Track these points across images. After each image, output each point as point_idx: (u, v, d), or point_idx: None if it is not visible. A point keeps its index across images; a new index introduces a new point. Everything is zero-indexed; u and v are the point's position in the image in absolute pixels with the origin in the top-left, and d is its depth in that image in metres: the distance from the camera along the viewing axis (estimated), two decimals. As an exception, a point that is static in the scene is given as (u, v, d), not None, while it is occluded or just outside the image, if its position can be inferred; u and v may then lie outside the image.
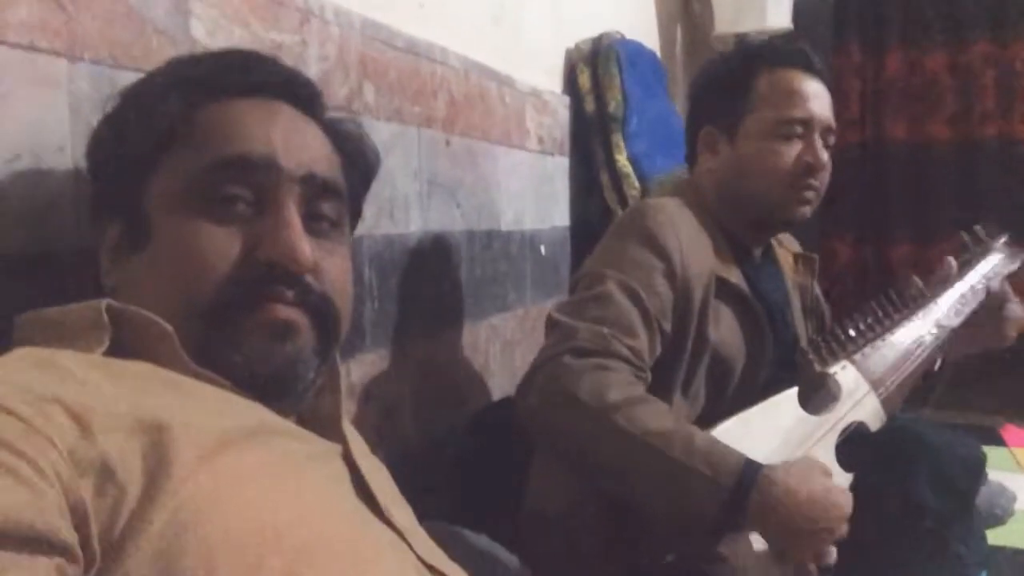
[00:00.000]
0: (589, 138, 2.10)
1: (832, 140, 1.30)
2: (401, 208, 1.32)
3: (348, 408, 1.18)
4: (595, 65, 2.08)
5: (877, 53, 3.29)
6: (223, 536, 0.50)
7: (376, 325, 1.26)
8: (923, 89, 3.24)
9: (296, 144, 0.68)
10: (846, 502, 1.05)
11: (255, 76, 0.70)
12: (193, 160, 0.65)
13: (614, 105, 2.06)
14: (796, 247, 1.52)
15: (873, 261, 3.41)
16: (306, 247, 0.65)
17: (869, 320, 1.28)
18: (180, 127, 0.66)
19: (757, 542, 1.07)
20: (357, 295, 1.19)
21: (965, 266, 1.38)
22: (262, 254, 0.64)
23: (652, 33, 2.93)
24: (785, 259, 1.47)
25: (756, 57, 1.30)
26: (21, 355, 0.56)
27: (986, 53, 3.14)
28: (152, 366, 0.60)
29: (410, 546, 0.64)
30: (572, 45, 2.15)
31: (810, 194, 1.27)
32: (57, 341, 0.59)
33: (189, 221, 0.64)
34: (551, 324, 1.16)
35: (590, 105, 2.08)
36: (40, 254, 0.75)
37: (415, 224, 1.36)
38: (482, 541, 1.10)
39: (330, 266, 0.69)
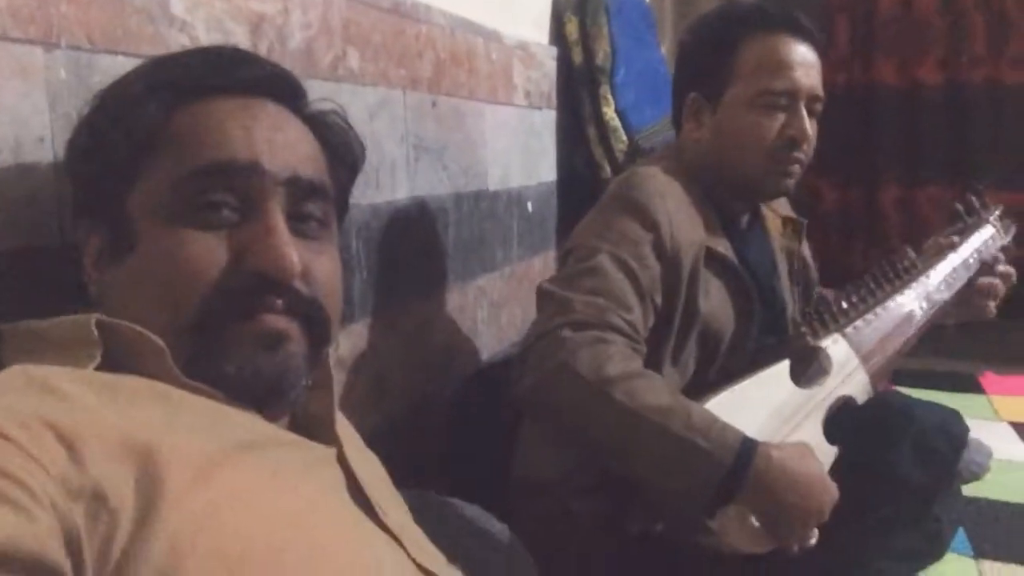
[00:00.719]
0: (576, 90, 2.07)
1: (819, 107, 1.27)
2: (388, 175, 1.30)
3: (338, 379, 1.18)
4: (583, 14, 2.03)
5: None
6: (222, 559, 0.51)
7: (364, 296, 1.25)
8: (914, 31, 3.20)
9: (280, 145, 0.66)
10: (834, 488, 1.08)
11: (236, 74, 0.67)
12: (176, 166, 0.63)
13: (602, 56, 2.02)
14: (785, 210, 1.51)
15: (860, 203, 3.40)
16: (293, 255, 0.63)
17: (861, 292, 1.28)
18: (161, 132, 0.64)
19: (743, 515, 1.10)
20: (345, 265, 1.18)
21: (958, 238, 1.38)
22: (249, 264, 0.62)
23: (641, -25, 2.86)
24: (773, 222, 1.46)
25: (741, 22, 1.25)
26: (14, 374, 0.55)
27: (976, -7, 3.09)
28: (144, 380, 0.59)
29: (405, 550, 0.65)
30: (559, -7, 2.11)
31: (794, 167, 1.25)
32: (48, 356, 0.58)
33: (174, 229, 0.62)
34: (543, 296, 1.16)
35: (578, 56, 2.04)
36: (22, 249, 0.73)
37: (402, 191, 1.34)
38: (472, 510, 1.11)
39: (318, 268, 0.68)
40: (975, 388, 2.66)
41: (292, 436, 0.67)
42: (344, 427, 0.74)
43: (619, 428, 1.06)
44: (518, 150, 1.82)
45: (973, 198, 1.43)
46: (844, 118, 3.29)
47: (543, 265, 2.01)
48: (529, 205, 1.90)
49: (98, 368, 0.59)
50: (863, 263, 3.29)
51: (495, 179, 1.71)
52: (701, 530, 1.10)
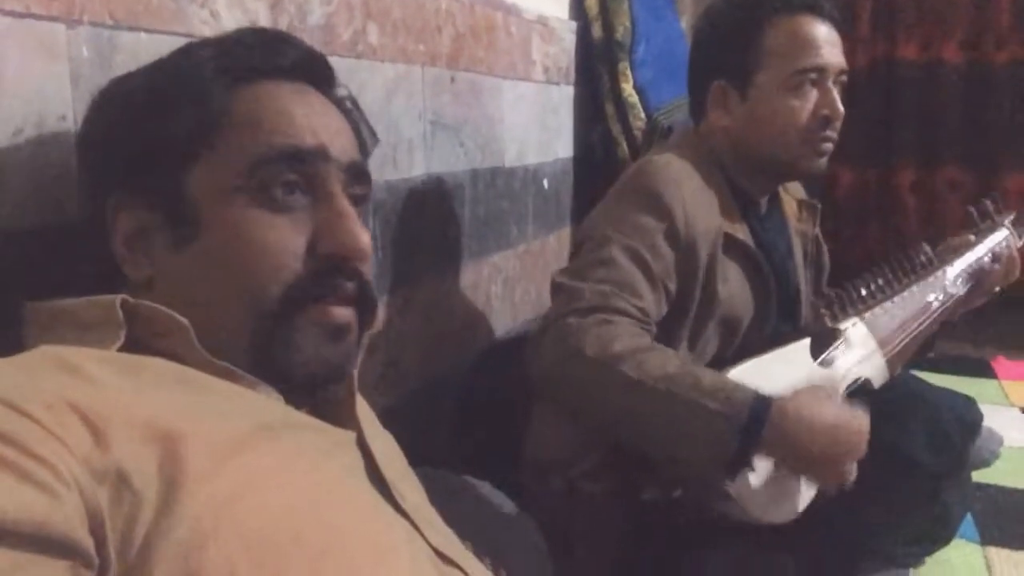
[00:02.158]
0: (595, 66, 2.05)
1: (845, 79, 1.26)
2: (404, 153, 1.30)
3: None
4: (603, -12, 2.01)
5: (892, -31, 3.19)
6: (243, 542, 0.51)
7: (380, 275, 1.25)
8: (936, 10, 3.15)
9: (336, 131, 0.68)
10: (861, 421, 1.06)
11: (288, 58, 0.68)
12: (245, 150, 0.63)
13: (622, 31, 2.00)
14: (800, 193, 1.50)
15: (876, 185, 3.37)
16: (367, 237, 0.65)
17: (880, 282, 1.30)
18: (224, 113, 0.64)
19: (760, 478, 1.10)
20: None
21: (974, 237, 1.40)
22: (325, 246, 0.63)
23: (662, -52, 2.82)
24: (788, 205, 1.46)
25: (761, 6, 1.24)
26: (42, 355, 0.55)
27: (1003, -29, 3.04)
28: (167, 362, 0.59)
29: (421, 533, 0.65)
30: (580, -35, 2.08)
31: (827, 145, 1.25)
32: (73, 336, 0.59)
33: (249, 212, 0.62)
34: (555, 288, 1.16)
35: (597, 31, 2.02)
36: (49, 226, 0.73)
37: (418, 168, 1.34)
38: (484, 489, 1.12)
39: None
40: (987, 373, 2.66)
41: (312, 420, 0.67)
42: (362, 408, 0.75)
43: (631, 401, 1.06)
44: (535, 126, 1.81)
45: (988, 203, 1.44)
46: (863, 99, 3.26)
47: (558, 243, 2.00)
48: (545, 182, 1.89)
49: (121, 349, 0.59)
50: (878, 246, 3.27)
51: (511, 156, 1.70)
52: (720, 496, 1.10)
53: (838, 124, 1.25)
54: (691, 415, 1.02)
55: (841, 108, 1.23)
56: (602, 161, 2.06)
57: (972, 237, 1.39)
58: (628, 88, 2.02)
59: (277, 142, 0.63)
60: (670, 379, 1.04)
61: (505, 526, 1.09)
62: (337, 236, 0.63)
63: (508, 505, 1.11)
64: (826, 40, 1.22)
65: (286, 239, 0.62)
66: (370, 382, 1.25)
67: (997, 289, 1.37)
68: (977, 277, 1.35)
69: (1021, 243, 1.43)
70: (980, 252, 1.37)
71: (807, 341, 1.21)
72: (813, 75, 1.21)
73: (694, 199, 1.20)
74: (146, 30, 0.82)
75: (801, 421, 1.02)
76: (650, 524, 1.24)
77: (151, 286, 0.64)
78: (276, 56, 0.67)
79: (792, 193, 1.48)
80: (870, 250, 3.25)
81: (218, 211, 0.63)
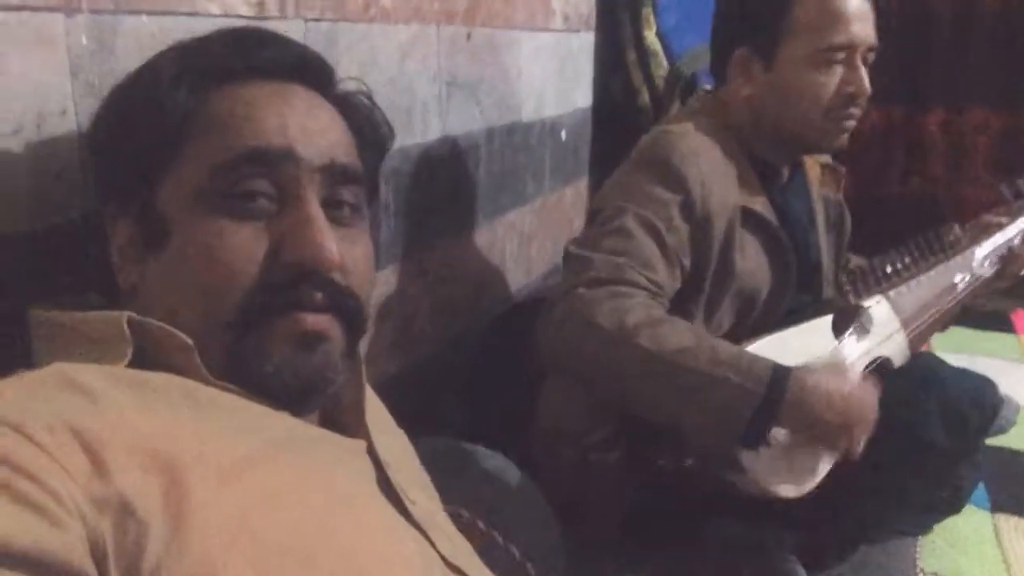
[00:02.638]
0: (616, 11, 1.98)
1: (872, 56, 1.22)
2: (419, 116, 1.27)
3: (365, 328, 1.18)
4: (628, -69, 1.92)
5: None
6: (255, 567, 0.51)
7: (392, 242, 1.24)
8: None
9: (314, 131, 0.64)
10: (873, 397, 1.07)
11: (265, 58, 0.64)
12: (209, 155, 0.61)
13: (645, -24, 1.93)
14: (824, 157, 1.46)
15: (902, 125, 3.29)
16: (333, 245, 0.61)
17: (907, 260, 1.27)
18: (192, 119, 0.61)
19: (774, 452, 1.10)
20: (372, 213, 1.17)
21: (1006, 219, 1.35)
22: (288, 255, 0.60)
23: None
24: (812, 170, 1.42)
25: None
26: (51, 373, 0.54)
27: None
28: (173, 378, 0.59)
29: (433, 543, 0.65)
30: (603, -96, 1.99)
31: (851, 123, 1.21)
32: (79, 351, 0.58)
33: (210, 220, 0.60)
34: (568, 258, 1.14)
35: (620, -25, 1.95)
36: (50, 227, 0.72)
37: (433, 132, 1.31)
38: (494, 459, 1.12)
39: (354, 258, 0.66)
40: (1007, 326, 2.62)
41: (320, 431, 0.67)
42: (372, 410, 0.74)
43: (649, 374, 1.05)
44: (553, 77, 1.76)
45: (1021, 181, 1.39)
46: (892, 38, 3.15)
47: (575, 194, 1.97)
48: (563, 134, 1.85)
49: (128, 365, 0.58)
50: (901, 188, 3.21)
51: (529, 110, 1.66)
52: (733, 468, 1.10)
53: (863, 101, 1.21)
54: (709, 387, 1.02)
55: (868, 86, 1.19)
56: (622, 109, 2.01)
57: (1004, 219, 1.35)
58: (651, 35, 1.95)
59: (239, 145, 0.60)
60: (687, 351, 1.03)
61: (515, 497, 1.09)
62: (299, 245, 0.60)
63: (518, 476, 1.11)
64: (857, 14, 1.17)
65: (244, 247, 0.60)
66: (383, 349, 1.25)
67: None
68: (1005, 260, 1.32)
69: None
70: (1011, 233, 1.33)
71: (829, 318, 1.19)
72: (841, 53, 1.17)
73: (712, 172, 1.17)
74: (148, 12, 0.79)
75: (818, 392, 1.03)
76: (661, 494, 1.24)
77: (133, 297, 0.63)
78: (252, 56, 0.64)
79: (816, 158, 1.44)
80: (893, 191, 3.19)
81: (182, 219, 0.61)
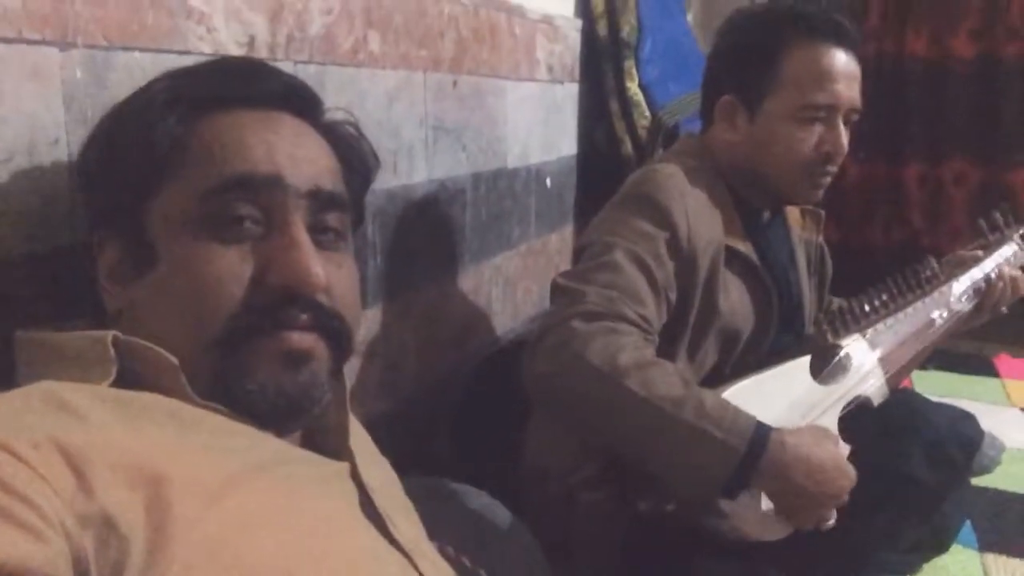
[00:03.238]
0: (600, 63, 2.03)
1: (856, 117, 1.25)
2: (405, 159, 1.29)
3: (351, 366, 1.18)
4: (610, -14, 1.99)
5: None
6: None
7: (378, 281, 1.25)
8: (948, 2, 3.11)
9: (301, 158, 0.66)
10: (852, 471, 1.07)
11: (254, 87, 0.67)
12: (197, 180, 0.62)
13: (628, 30, 1.98)
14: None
15: (883, 178, 3.35)
16: (319, 268, 0.63)
17: (884, 297, 1.28)
18: (181, 145, 0.63)
19: (756, 502, 1.10)
20: (359, 252, 1.18)
21: (982, 252, 1.37)
22: (274, 278, 0.62)
23: (670, -61, 2.79)
24: (791, 213, 1.45)
25: (785, 28, 1.22)
26: (37, 391, 0.55)
27: (1015, -37, 3.00)
28: (158, 397, 0.59)
29: (417, 568, 0.65)
30: (587, -38, 2.06)
31: (826, 179, 1.24)
32: (63, 371, 0.59)
33: (197, 244, 0.61)
34: (557, 290, 1.15)
35: (603, 29, 2.00)
36: (40, 254, 0.73)
37: (419, 174, 1.33)
38: (480, 498, 1.12)
39: (339, 281, 0.67)
40: (989, 371, 2.64)
41: (304, 453, 0.67)
42: (356, 435, 0.74)
43: (632, 417, 1.06)
44: (539, 126, 1.80)
45: (997, 215, 1.41)
46: (872, 91, 3.22)
47: (560, 240, 1.99)
48: (548, 180, 1.88)
49: (112, 384, 0.59)
50: (884, 239, 3.26)
51: (514, 156, 1.69)
52: (713, 512, 1.10)
53: (839, 160, 1.23)
54: (692, 439, 1.02)
55: (845, 146, 1.21)
56: (606, 158, 2.05)
57: (980, 252, 1.36)
58: (633, 86, 2.00)
59: (227, 171, 0.62)
60: (674, 400, 1.03)
61: (502, 536, 1.09)
62: (284, 267, 0.62)
63: (506, 515, 1.10)
64: (843, 75, 1.20)
65: (230, 269, 0.61)
66: (370, 388, 1.25)
67: (1004, 309, 1.35)
68: (983, 294, 1.33)
69: None
70: (988, 268, 1.34)
71: (807, 358, 1.20)
72: (823, 111, 1.20)
73: (697, 211, 1.19)
74: (141, 49, 0.81)
75: (799, 457, 1.03)
76: (650, 532, 1.24)
77: (119, 318, 0.64)
78: (242, 85, 0.66)
79: None
80: (876, 243, 3.24)
81: (170, 243, 0.62)
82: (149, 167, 0.63)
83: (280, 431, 0.65)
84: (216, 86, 0.66)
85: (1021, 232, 1.42)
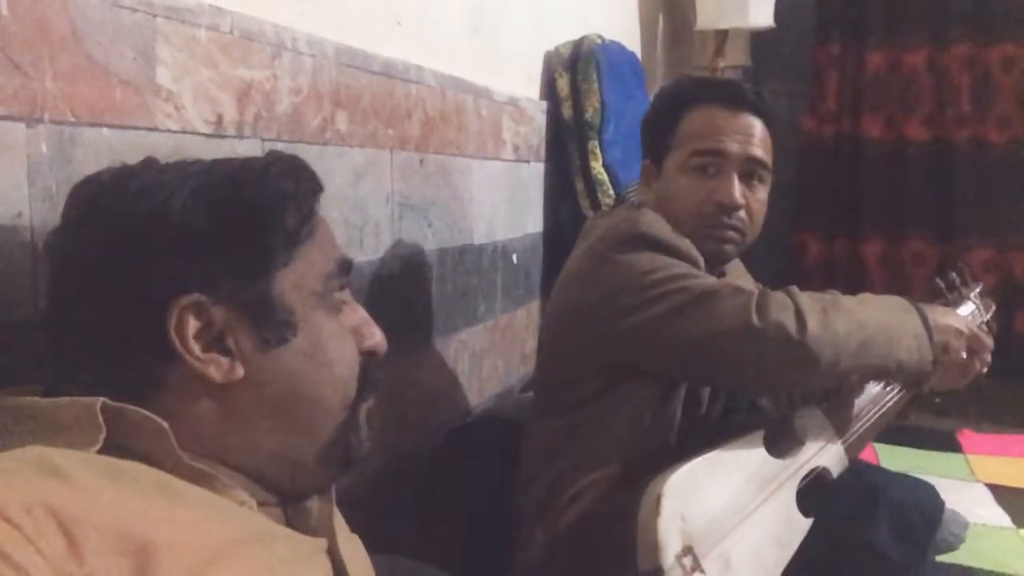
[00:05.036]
0: (565, 143, 2.08)
1: (764, 175, 1.28)
2: (371, 234, 1.31)
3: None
4: (574, 71, 2.05)
5: (858, 50, 3.29)
6: None
7: (343, 356, 1.25)
8: (901, 88, 3.24)
9: None
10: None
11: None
12: (320, 261, 0.70)
13: (591, 112, 2.04)
14: (745, 281, 1.48)
15: (844, 257, 3.43)
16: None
17: None
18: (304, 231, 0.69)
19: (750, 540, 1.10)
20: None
21: None
22: (366, 345, 0.73)
23: (634, 28, 2.90)
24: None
25: (683, 96, 1.31)
26: (30, 456, 0.55)
27: (964, 55, 3.14)
28: (146, 467, 0.59)
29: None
30: (552, 48, 2.12)
31: (729, 233, 1.26)
32: (48, 437, 0.58)
33: (328, 318, 0.70)
34: (674, 317, 1.15)
35: (567, 111, 2.06)
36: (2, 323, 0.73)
37: (385, 249, 1.35)
38: (439, 576, 1.10)
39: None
40: (952, 446, 2.66)
41: (285, 530, 0.68)
42: (335, 511, 0.75)
43: (864, 339, 1.15)
44: (504, 204, 1.83)
45: (954, 275, 1.44)
46: (830, 172, 3.34)
47: (527, 316, 2.01)
48: (514, 257, 1.90)
49: (100, 451, 0.59)
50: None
51: (480, 233, 1.72)
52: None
53: (742, 215, 1.26)
54: (896, 326, 1.18)
55: (737, 198, 1.24)
56: (572, 236, 2.07)
57: None
58: (597, 166, 2.05)
59: (337, 255, 0.72)
60: (861, 303, 1.19)
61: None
62: (371, 335, 0.74)
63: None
64: (735, 129, 1.25)
65: (350, 343, 0.71)
66: (331, 466, 1.23)
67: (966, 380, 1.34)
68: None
69: (988, 317, 1.40)
70: None
71: (761, 432, 1.20)
72: (709, 159, 1.24)
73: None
74: (108, 126, 0.83)
75: (945, 312, 1.25)
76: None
77: (232, 386, 0.65)
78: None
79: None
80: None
81: (307, 314, 0.68)
82: (282, 246, 0.67)
83: (272, 507, 0.67)
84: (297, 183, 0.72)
85: (977, 291, 1.44)
